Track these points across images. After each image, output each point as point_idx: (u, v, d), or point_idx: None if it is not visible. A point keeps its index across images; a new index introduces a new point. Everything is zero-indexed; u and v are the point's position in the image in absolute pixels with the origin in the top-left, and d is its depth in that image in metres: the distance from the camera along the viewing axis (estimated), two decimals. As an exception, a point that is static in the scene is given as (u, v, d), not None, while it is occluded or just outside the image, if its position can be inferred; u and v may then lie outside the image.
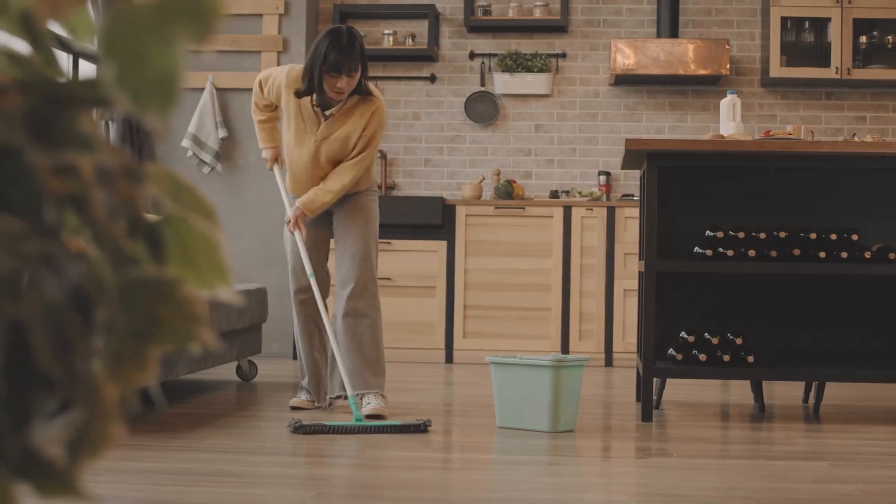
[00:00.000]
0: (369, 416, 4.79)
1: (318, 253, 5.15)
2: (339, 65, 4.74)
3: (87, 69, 7.37)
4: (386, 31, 8.40)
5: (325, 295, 5.07)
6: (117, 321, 0.84)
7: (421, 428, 4.49)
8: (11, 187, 0.78)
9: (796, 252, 4.99)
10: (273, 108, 5.18)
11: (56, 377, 0.77)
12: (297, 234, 4.96)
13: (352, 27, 4.86)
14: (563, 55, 8.46)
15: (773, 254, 4.99)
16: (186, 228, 0.92)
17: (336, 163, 4.98)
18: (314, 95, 4.88)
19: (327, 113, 4.91)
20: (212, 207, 0.95)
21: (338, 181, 4.94)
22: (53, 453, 0.78)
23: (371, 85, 4.96)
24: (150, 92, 0.77)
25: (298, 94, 4.87)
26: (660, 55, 7.98)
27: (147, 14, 0.76)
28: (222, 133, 8.00)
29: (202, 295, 0.89)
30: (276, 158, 5.24)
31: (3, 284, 0.74)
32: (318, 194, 4.94)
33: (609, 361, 7.70)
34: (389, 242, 7.81)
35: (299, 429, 4.36)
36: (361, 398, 4.92)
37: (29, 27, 0.96)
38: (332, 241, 5.20)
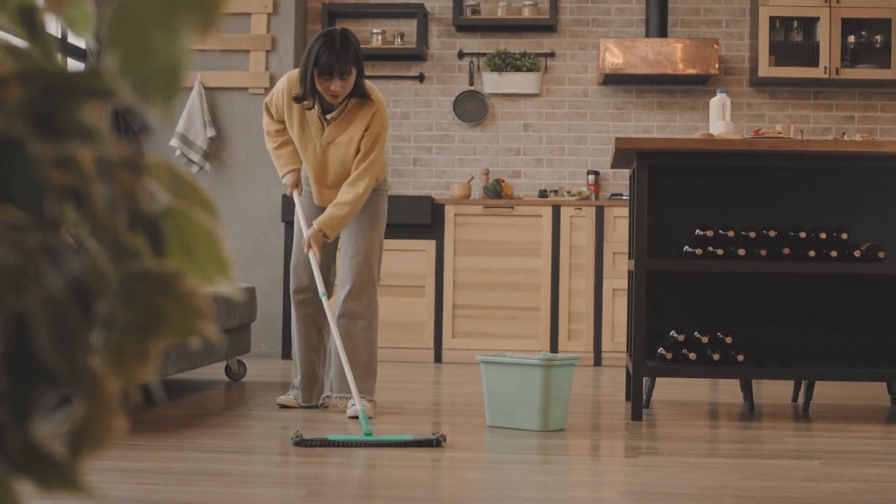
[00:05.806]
0: (351, 418, 4.78)
1: (326, 254, 5.12)
2: (330, 67, 4.70)
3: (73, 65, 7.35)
4: (375, 31, 8.39)
5: (329, 294, 5.04)
6: (118, 314, 0.83)
7: (434, 443, 4.10)
8: (12, 179, 0.78)
9: (786, 251, 5.00)
10: (285, 130, 5.05)
11: (58, 370, 0.76)
12: (311, 254, 4.86)
13: (346, 29, 4.81)
14: (552, 54, 8.46)
15: (763, 253, 5.00)
16: (187, 221, 0.91)
17: (345, 167, 4.94)
18: (314, 100, 4.85)
19: (328, 117, 4.87)
20: (212, 201, 0.94)
21: (352, 192, 4.83)
22: (55, 448, 0.78)
23: (371, 85, 4.91)
24: (153, 83, 0.76)
25: (296, 99, 4.82)
26: (648, 54, 7.98)
27: (152, 3, 0.75)
28: (210, 132, 7.98)
29: (204, 288, 0.88)
30: (297, 183, 5.05)
31: (6, 277, 0.74)
32: (334, 211, 4.83)
33: (598, 361, 7.70)
34: (378, 242, 7.80)
35: (300, 443, 4.04)
36: (346, 400, 4.96)
37: (27, 20, 0.95)
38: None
